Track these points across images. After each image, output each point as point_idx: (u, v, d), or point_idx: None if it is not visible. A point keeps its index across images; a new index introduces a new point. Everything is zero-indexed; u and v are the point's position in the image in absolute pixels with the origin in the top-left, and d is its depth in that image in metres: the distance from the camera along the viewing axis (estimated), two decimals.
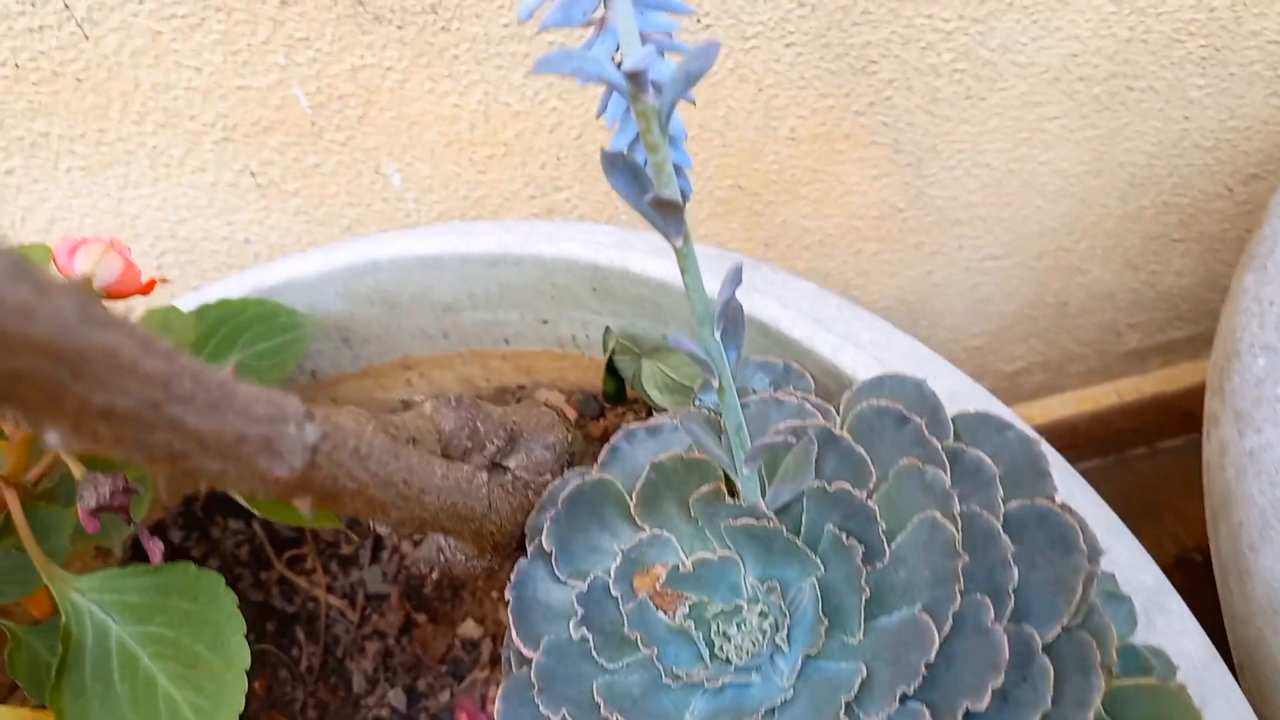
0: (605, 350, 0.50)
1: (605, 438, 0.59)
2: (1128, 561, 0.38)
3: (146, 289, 0.33)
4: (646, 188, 0.25)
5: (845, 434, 0.33)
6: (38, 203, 0.57)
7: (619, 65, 0.23)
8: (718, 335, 0.28)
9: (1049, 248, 0.75)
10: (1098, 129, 0.66)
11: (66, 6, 0.48)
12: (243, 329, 0.50)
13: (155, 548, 0.36)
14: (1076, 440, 0.96)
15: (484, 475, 0.38)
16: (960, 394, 0.41)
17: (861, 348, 0.42)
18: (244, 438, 0.21)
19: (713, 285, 0.45)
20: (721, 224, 0.67)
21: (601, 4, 0.23)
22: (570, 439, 0.41)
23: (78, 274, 0.31)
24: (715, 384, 0.29)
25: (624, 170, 0.25)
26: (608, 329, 0.50)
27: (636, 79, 0.22)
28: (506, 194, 0.63)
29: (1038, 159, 0.67)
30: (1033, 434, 0.34)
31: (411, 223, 0.63)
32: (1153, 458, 0.99)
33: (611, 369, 0.50)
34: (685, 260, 0.26)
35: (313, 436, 0.23)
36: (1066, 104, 0.63)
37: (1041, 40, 0.59)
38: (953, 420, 0.35)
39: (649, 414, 0.49)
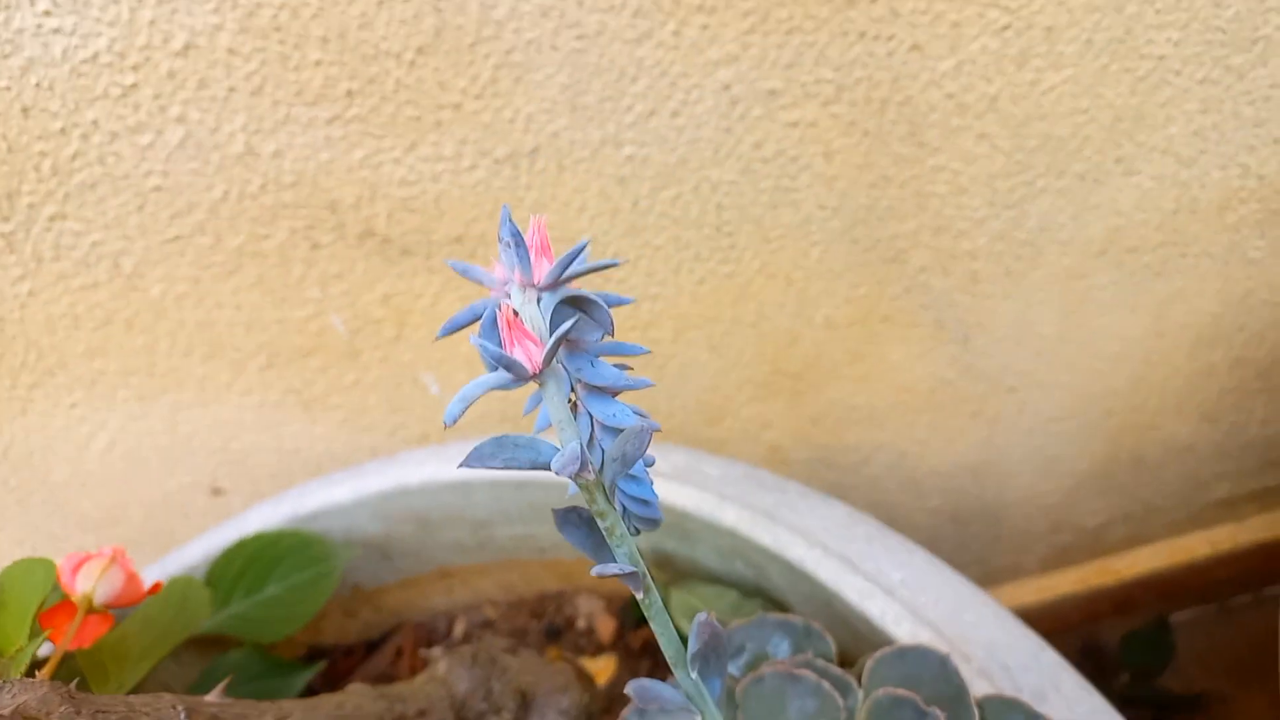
0: None
1: (646, 648, 0.57)
2: None
3: (153, 591, 0.34)
4: (601, 545, 0.24)
5: None
6: (98, 429, 0.59)
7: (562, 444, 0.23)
8: (695, 674, 0.26)
9: (1116, 407, 0.71)
10: (1153, 294, 0.63)
11: (116, 265, 0.51)
12: (277, 561, 0.51)
13: None
14: (1171, 591, 0.90)
15: None
16: (1000, 643, 0.39)
17: (891, 593, 0.40)
18: None
19: (733, 516, 0.44)
20: (764, 406, 0.66)
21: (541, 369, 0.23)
22: (586, 700, 0.40)
23: (79, 593, 0.31)
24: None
25: (577, 525, 0.25)
26: None
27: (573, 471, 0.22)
28: None
29: (1092, 325, 0.64)
30: None
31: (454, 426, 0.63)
32: (1258, 606, 0.92)
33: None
34: (650, 611, 0.25)
35: None
36: (1115, 273, 0.61)
37: (1081, 218, 0.57)
38: (978, 704, 0.33)
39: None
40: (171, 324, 0.54)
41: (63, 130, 0.45)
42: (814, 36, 0.47)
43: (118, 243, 0.50)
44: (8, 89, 0.43)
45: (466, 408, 0.21)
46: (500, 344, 0.21)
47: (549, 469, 0.22)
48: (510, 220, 0.22)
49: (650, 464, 0.25)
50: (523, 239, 0.21)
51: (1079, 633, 0.92)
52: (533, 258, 0.22)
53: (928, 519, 0.79)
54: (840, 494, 0.75)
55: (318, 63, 0.45)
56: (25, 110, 0.44)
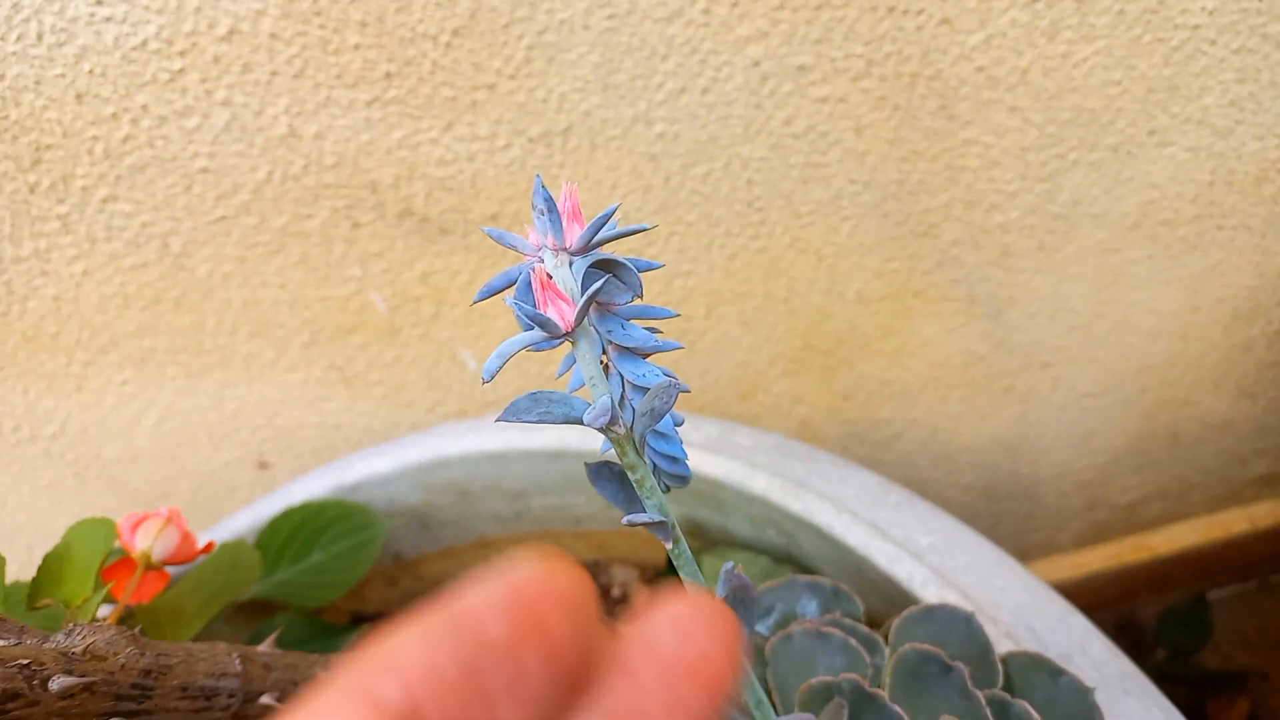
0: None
1: None
2: None
3: (205, 550, 0.36)
4: (633, 498, 0.25)
5: (882, 693, 0.32)
6: (148, 406, 0.62)
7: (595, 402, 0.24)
8: None
9: (1151, 383, 0.71)
10: (1188, 268, 0.62)
11: (165, 245, 0.52)
12: (322, 530, 0.53)
13: None
14: (1209, 567, 0.89)
15: None
16: (1027, 606, 0.39)
17: (919, 558, 0.41)
18: None
19: (764, 484, 0.45)
20: (796, 381, 0.67)
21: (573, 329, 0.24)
22: None
23: (138, 549, 0.33)
24: None
25: (609, 479, 0.26)
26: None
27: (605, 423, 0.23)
28: None
29: (1126, 300, 0.64)
30: (1087, 681, 0.32)
31: (489, 400, 0.65)
32: None
33: (673, 565, 0.50)
34: (680, 560, 0.26)
35: None
36: (1150, 247, 0.61)
37: (1115, 191, 0.57)
38: (1003, 661, 0.34)
39: None
40: (218, 303, 0.56)
41: (114, 115, 0.47)
42: (843, 11, 0.47)
43: (166, 223, 0.52)
44: (62, 76, 0.45)
45: (504, 363, 0.22)
46: (535, 305, 0.22)
47: (581, 422, 0.23)
48: (544, 188, 0.23)
49: (679, 423, 0.26)
50: (555, 205, 0.22)
51: (1115, 609, 0.92)
52: (564, 223, 0.23)
53: (961, 495, 0.79)
54: (873, 469, 0.76)
55: (357, 46, 0.46)
56: (79, 96, 0.46)
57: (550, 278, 0.22)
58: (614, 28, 0.47)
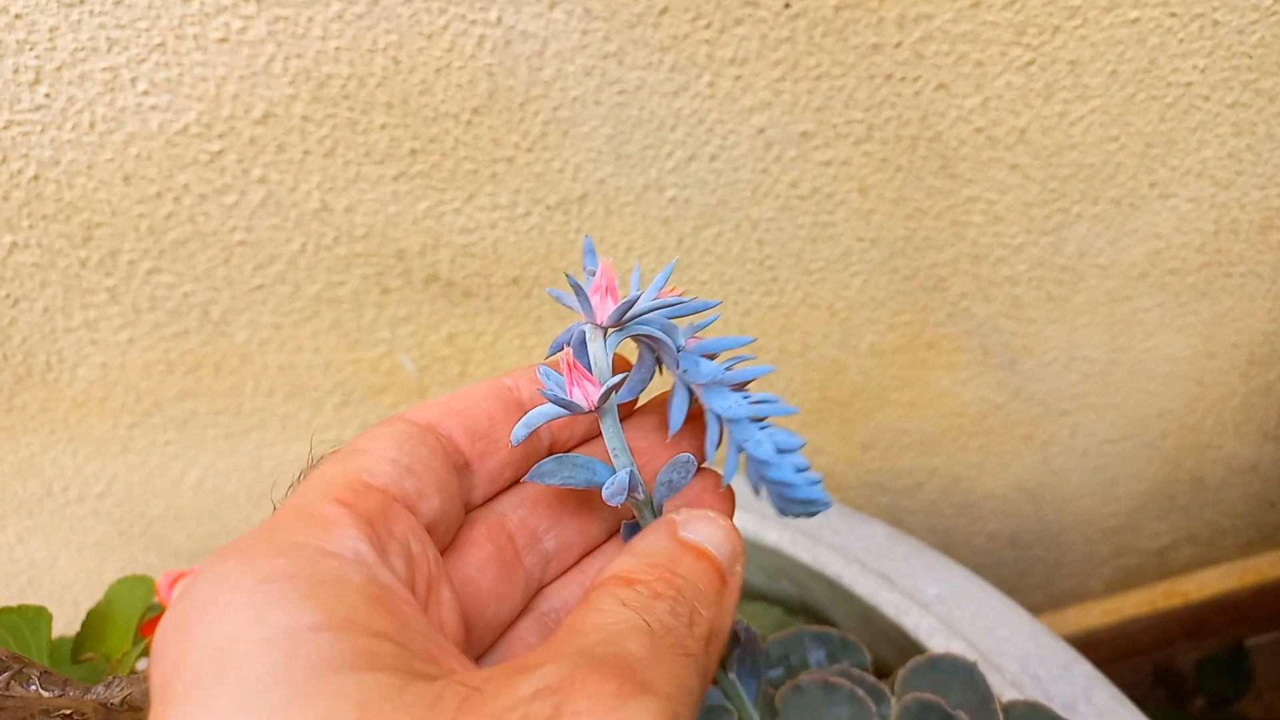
0: None
1: None
2: None
3: None
4: None
5: None
6: (190, 465, 0.64)
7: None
8: (733, 674, 0.29)
9: (1171, 427, 0.72)
10: (1200, 315, 0.63)
11: (206, 313, 0.56)
12: None
13: None
14: (1244, 613, 0.88)
15: None
16: (1032, 655, 0.40)
17: (927, 607, 0.42)
18: None
19: (775, 536, 0.46)
20: (815, 432, 0.68)
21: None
22: None
23: None
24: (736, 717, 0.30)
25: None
26: None
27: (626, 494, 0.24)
28: None
29: (1140, 347, 0.65)
30: None
31: None
32: None
33: None
34: None
35: None
36: (1160, 295, 0.62)
37: (1120, 242, 0.58)
38: (1004, 709, 0.34)
39: None
40: (256, 367, 0.59)
41: (158, 194, 0.50)
42: (842, 81, 0.49)
43: (206, 293, 0.55)
44: (111, 160, 0.49)
45: (530, 433, 0.24)
46: (586, 363, 0.24)
47: (602, 489, 0.24)
48: (593, 251, 0.25)
49: (788, 448, 0.26)
50: (582, 289, 0.24)
51: (1151, 656, 0.91)
52: (597, 300, 0.24)
53: (986, 543, 0.79)
54: (896, 518, 0.76)
55: (383, 126, 0.49)
56: (126, 178, 0.49)
57: (575, 362, 0.23)
58: (624, 102, 0.49)
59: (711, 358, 0.26)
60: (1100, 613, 0.86)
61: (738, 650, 0.29)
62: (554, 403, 0.23)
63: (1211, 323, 0.64)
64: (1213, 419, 0.71)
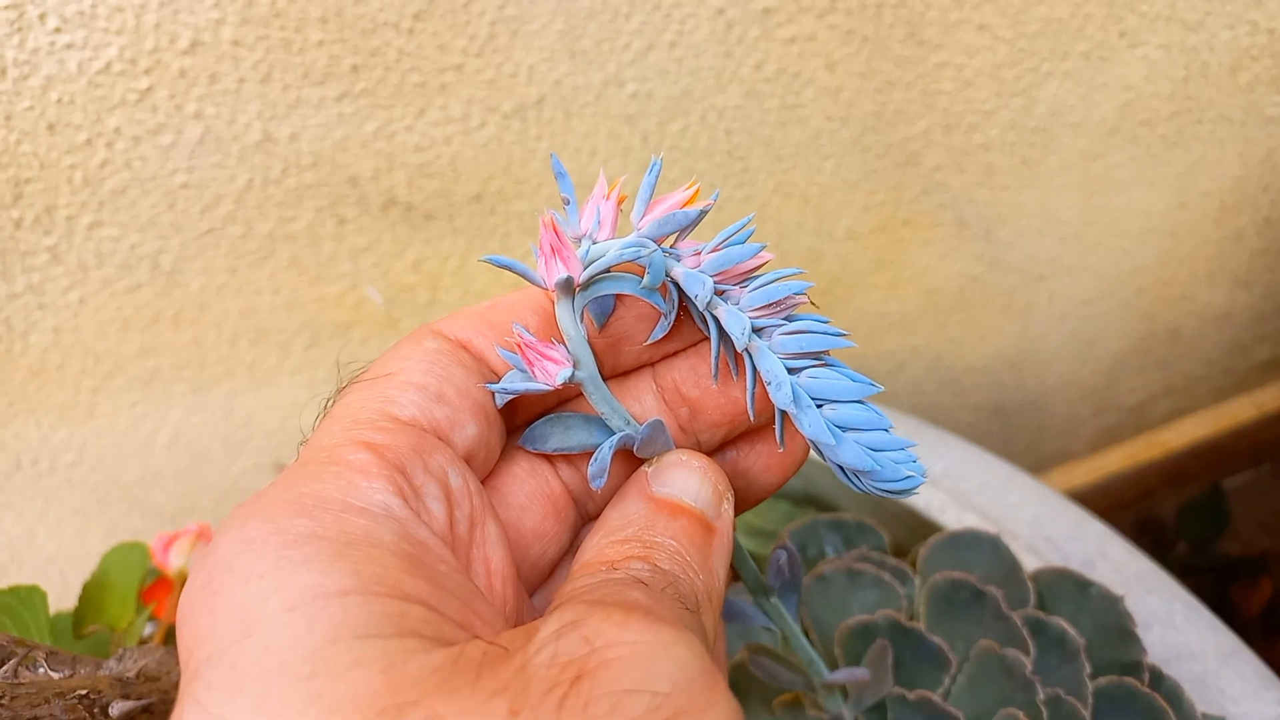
0: None
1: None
2: (1240, 692, 0.35)
3: None
4: None
5: (919, 625, 0.33)
6: (160, 424, 0.62)
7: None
8: (776, 599, 0.28)
9: (1147, 283, 0.72)
10: (1172, 166, 0.63)
11: (156, 264, 0.53)
12: None
13: None
14: (1221, 457, 0.90)
15: None
16: (1044, 518, 0.40)
17: (935, 483, 0.42)
18: None
19: None
20: None
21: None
22: None
23: (174, 568, 0.34)
24: (779, 634, 0.29)
25: None
26: None
27: None
28: None
29: (1114, 205, 0.64)
30: (1114, 588, 0.33)
31: None
32: None
33: None
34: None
35: None
36: (1132, 149, 0.61)
37: (1091, 98, 0.57)
38: (1031, 579, 0.34)
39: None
40: (215, 315, 0.56)
41: (88, 141, 0.47)
42: None
43: (154, 243, 0.52)
44: (31, 109, 0.45)
45: (509, 399, 0.22)
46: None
47: (600, 445, 0.23)
48: (564, 174, 0.22)
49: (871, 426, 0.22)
50: (536, 249, 0.21)
51: (1133, 509, 0.93)
52: (544, 262, 0.21)
53: (971, 416, 0.80)
54: (880, 400, 0.76)
55: (320, 43, 0.46)
56: (51, 127, 0.46)
57: (531, 341, 0.21)
58: None
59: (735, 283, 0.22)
60: (1084, 471, 0.88)
61: (784, 583, 0.28)
62: (513, 393, 0.22)
63: (1183, 173, 0.63)
64: (1186, 270, 0.71)
